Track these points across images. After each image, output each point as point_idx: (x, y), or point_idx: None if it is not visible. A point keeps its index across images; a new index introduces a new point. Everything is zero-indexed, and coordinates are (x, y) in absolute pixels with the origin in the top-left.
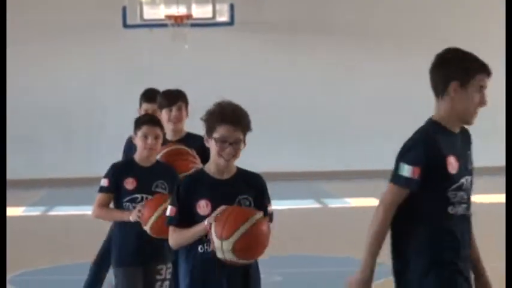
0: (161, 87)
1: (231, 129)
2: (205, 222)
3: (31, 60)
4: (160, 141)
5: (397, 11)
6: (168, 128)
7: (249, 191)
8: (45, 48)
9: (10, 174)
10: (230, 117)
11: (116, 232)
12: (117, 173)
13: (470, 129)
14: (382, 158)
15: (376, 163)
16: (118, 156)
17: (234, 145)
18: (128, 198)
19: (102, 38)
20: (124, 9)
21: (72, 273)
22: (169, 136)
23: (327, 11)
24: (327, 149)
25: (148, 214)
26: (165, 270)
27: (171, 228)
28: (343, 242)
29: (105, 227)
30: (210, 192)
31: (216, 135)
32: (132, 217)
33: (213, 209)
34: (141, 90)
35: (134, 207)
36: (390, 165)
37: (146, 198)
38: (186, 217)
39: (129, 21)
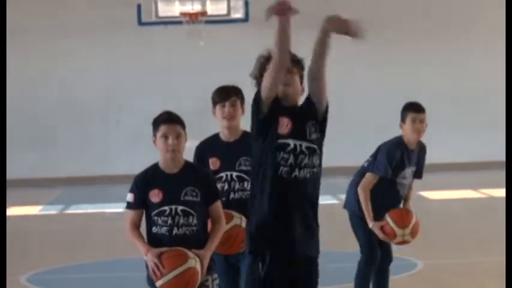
0: (176, 84)
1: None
2: (149, 255)
3: (47, 59)
4: (183, 140)
5: (405, 2)
6: (223, 125)
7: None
8: (61, 46)
9: (27, 173)
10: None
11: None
12: (141, 185)
13: (441, 124)
14: None
15: None
16: (134, 154)
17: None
18: (155, 211)
19: (117, 35)
20: (139, 7)
21: (90, 272)
22: (224, 136)
23: (340, 5)
24: (344, 145)
25: (163, 272)
26: (211, 282)
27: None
28: None
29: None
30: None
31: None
32: (148, 263)
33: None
34: (157, 87)
35: (164, 222)
36: None
37: (176, 209)
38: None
39: (144, 19)
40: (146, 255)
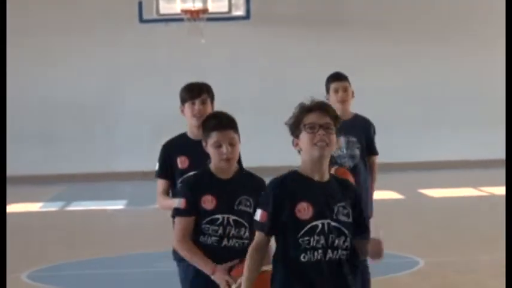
0: (177, 82)
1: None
2: (218, 274)
3: (49, 56)
4: (238, 145)
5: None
6: (191, 124)
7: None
8: (62, 43)
9: (29, 170)
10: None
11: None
12: (194, 190)
13: (448, 122)
14: (401, 151)
15: (394, 156)
16: (136, 151)
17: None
18: (207, 219)
19: (118, 32)
20: (140, 4)
21: (91, 268)
22: (192, 134)
23: (342, 3)
24: None
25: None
26: None
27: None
28: None
29: (122, 221)
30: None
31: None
32: (219, 282)
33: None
34: (158, 84)
35: (215, 231)
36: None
37: (228, 219)
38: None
39: (145, 16)
40: (213, 275)
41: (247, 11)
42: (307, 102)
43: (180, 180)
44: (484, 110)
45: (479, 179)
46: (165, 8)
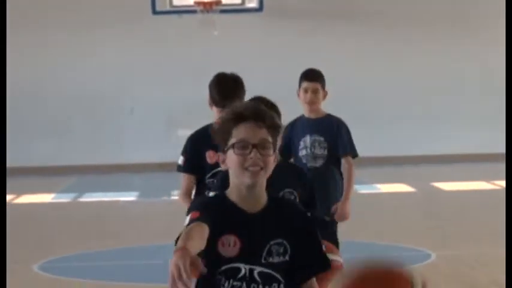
0: (190, 74)
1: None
2: None
3: (60, 48)
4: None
5: None
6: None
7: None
8: (74, 35)
9: (42, 161)
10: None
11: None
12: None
13: (460, 115)
14: (413, 144)
15: (406, 149)
16: (147, 143)
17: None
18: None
19: (131, 24)
20: None
21: (102, 260)
22: None
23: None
24: (358, 135)
25: None
26: None
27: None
28: (373, 228)
29: (134, 213)
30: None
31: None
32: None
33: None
34: (170, 76)
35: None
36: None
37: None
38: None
39: (158, 8)
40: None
41: (260, 2)
42: (238, 105)
43: (209, 175)
44: (498, 102)
45: (491, 173)
46: (178, 0)
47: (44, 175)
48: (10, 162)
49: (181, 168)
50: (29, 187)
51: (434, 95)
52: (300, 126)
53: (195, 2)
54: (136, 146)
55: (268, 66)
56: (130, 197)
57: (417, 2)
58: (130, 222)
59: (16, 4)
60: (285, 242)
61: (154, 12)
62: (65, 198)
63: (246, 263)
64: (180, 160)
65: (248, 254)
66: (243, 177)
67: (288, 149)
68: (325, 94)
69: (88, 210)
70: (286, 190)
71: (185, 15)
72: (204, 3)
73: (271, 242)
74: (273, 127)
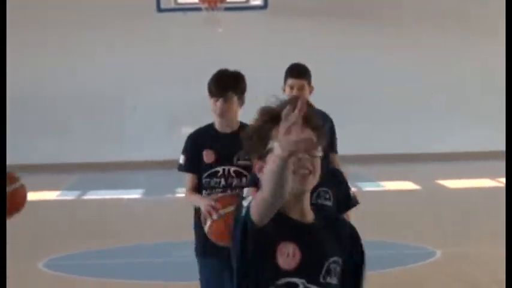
0: (194, 72)
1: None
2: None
3: (63, 46)
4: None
5: None
6: (215, 118)
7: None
8: (78, 33)
9: (46, 159)
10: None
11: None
12: None
13: (465, 113)
14: (418, 142)
15: (411, 146)
16: (150, 141)
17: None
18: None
19: (135, 22)
20: None
21: (106, 258)
22: (219, 126)
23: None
24: (363, 133)
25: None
26: None
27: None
28: (378, 226)
29: (136, 211)
30: None
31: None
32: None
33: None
34: (174, 74)
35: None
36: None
37: None
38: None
39: (162, 5)
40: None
41: (265, 0)
42: (273, 105)
43: (206, 174)
44: (501, 101)
45: (496, 170)
46: None
47: (47, 173)
48: (13, 160)
49: (182, 168)
50: (32, 185)
51: (438, 93)
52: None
53: (200, 0)
54: (139, 144)
55: (273, 64)
56: (133, 195)
57: (423, 2)
58: (133, 220)
59: (17, 3)
60: (340, 260)
61: (159, 9)
62: (68, 196)
63: (305, 279)
64: (181, 159)
65: (308, 269)
66: (292, 183)
67: None
68: (311, 90)
69: (91, 209)
70: (321, 189)
71: (190, 13)
72: (209, 1)
73: (330, 260)
74: (317, 127)
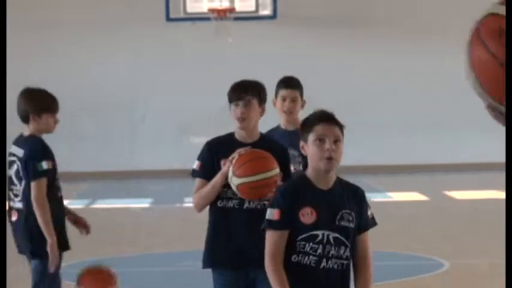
0: (203, 81)
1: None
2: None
3: (75, 54)
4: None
5: (442, 2)
6: (236, 125)
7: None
8: (88, 41)
9: None
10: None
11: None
12: (288, 201)
13: (473, 124)
14: (426, 152)
15: (419, 157)
16: (160, 150)
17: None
18: (304, 235)
19: (145, 31)
20: (167, 3)
21: (115, 266)
22: (240, 136)
23: (369, 3)
24: (371, 143)
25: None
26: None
27: None
28: (386, 237)
29: (146, 219)
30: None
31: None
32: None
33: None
34: (184, 83)
35: (313, 249)
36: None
37: (328, 236)
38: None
39: (172, 15)
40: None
41: (274, 10)
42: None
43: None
44: (483, 113)
45: (504, 182)
46: (192, 7)
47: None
48: None
49: (195, 173)
50: None
51: (446, 103)
52: (277, 138)
53: (209, 9)
54: (149, 152)
55: (282, 74)
56: (143, 203)
57: (436, 13)
58: (143, 229)
59: (28, 12)
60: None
61: (168, 19)
62: (78, 205)
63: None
64: (195, 165)
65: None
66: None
67: None
68: (303, 103)
69: (101, 217)
70: (344, 211)
71: (199, 23)
72: (218, 11)
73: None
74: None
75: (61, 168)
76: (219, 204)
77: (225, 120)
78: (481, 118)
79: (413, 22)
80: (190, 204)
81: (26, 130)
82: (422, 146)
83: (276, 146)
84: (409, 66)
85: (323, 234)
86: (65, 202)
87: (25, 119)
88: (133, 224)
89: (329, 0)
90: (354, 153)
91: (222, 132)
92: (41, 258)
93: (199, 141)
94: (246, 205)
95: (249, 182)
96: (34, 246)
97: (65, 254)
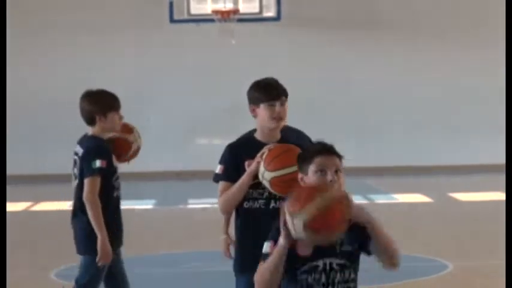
0: (207, 83)
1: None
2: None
3: (77, 57)
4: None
5: (446, 6)
6: (267, 126)
7: None
8: (92, 44)
9: (58, 169)
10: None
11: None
12: None
13: (473, 126)
14: (430, 154)
15: (423, 159)
16: (164, 152)
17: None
18: (304, 268)
19: (148, 32)
20: (171, 4)
21: None
22: (262, 137)
23: (373, 5)
24: (375, 145)
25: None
26: None
27: None
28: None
29: (150, 221)
30: None
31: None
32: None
33: None
34: (188, 85)
35: (315, 279)
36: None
37: (330, 264)
38: None
39: (176, 16)
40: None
41: (278, 12)
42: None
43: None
44: (483, 115)
45: (480, 184)
46: (195, 9)
47: (62, 183)
48: (27, 171)
49: (219, 177)
50: (47, 194)
51: (451, 105)
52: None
53: (213, 11)
54: (153, 154)
55: (286, 76)
56: (147, 205)
57: (440, 16)
58: (147, 230)
59: (30, 15)
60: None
61: (172, 20)
62: None
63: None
64: (218, 169)
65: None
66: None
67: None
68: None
69: None
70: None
71: (203, 24)
72: (222, 12)
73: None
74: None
75: (66, 169)
76: (245, 205)
77: (229, 122)
78: (485, 120)
79: (417, 24)
80: (195, 206)
81: (90, 130)
82: (426, 148)
83: (301, 135)
84: (414, 68)
85: (324, 264)
86: (69, 203)
87: (91, 121)
88: (137, 225)
89: (333, 2)
90: (358, 154)
91: (227, 133)
92: (89, 254)
93: (204, 143)
94: (272, 205)
95: (280, 175)
96: (84, 242)
97: (70, 256)
